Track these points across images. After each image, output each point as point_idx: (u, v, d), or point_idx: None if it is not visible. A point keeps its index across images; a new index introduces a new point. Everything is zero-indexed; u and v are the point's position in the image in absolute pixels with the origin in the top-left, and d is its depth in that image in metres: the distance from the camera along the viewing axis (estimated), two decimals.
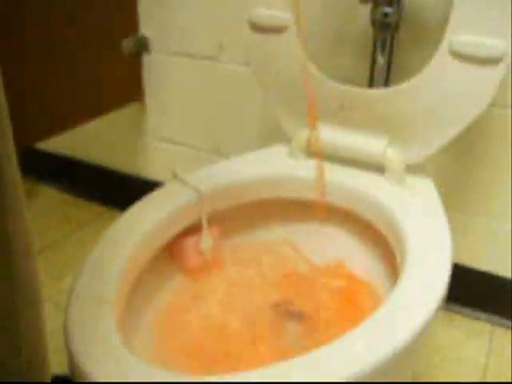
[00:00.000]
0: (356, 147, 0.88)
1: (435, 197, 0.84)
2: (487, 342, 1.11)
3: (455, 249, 0.74)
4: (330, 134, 0.90)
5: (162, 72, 1.30)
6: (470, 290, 1.15)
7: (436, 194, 0.85)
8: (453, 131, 0.84)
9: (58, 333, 0.90)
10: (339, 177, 0.87)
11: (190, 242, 0.83)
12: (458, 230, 1.08)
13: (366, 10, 0.92)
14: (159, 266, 0.80)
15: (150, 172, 1.43)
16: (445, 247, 0.74)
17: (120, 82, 1.28)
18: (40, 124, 1.14)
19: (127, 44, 1.25)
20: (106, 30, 1.21)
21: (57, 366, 0.95)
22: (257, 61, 0.94)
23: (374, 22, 0.91)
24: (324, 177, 0.87)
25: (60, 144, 1.53)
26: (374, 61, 0.92)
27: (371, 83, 0.93)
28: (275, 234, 0.92)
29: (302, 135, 0.91)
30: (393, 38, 0.91)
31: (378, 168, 0.87)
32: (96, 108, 1.24)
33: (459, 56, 0.79)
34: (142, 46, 1.28)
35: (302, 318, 0.81)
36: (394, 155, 0.86)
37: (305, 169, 0.89)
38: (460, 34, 0.79)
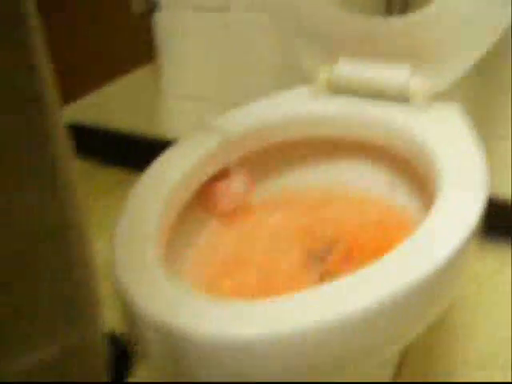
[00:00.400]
0: (379, 78, 0.87)
1: (464, 122, 0.83)
2: None
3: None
4: (351, 67, 0.89)
5: (173, 29, 1.28)
6: (499, 220, 1.14)
7: (465, 119, 0.84)
8: (476, 53, 0.82)
9: None
10: (365, 110, 0.86)
11: (221, 187, 0.83)
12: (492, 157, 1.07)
13: None
14: (193, 213, 0.81)
15: (170, 131, 1.43)
16: (478, 174, 0.72)
17: (132, 43, 1.28)
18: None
19: (137, 4, 1.24)
20: None
21: None
22: (274, 1, 0.92)
23: None
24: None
25: (76, 112, 1.53)
26: None
27: (389, 11, 0.91)
28: (306, 173, 0.92)
29: (323, 71, 0.90)
30: None
31: (404, 98, 0.86)
32: (109, 71, 1.24)
33: None
34: (152, 5, 1.27)
35: (343, 250, 0.81)
36: (418, 83, 0.85)
37: (331, 105, 0.89)
38: None
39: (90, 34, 1.17)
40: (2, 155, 0.39)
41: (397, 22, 0.86)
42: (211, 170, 0.82)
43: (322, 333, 0.53)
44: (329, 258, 0.81)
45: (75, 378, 0.46)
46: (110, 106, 1.48)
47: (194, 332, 0.52)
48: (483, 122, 1.07)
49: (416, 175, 0.82)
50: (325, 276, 0.76)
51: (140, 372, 0.74)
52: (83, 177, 1.55)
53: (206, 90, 1.32)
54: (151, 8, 1.27)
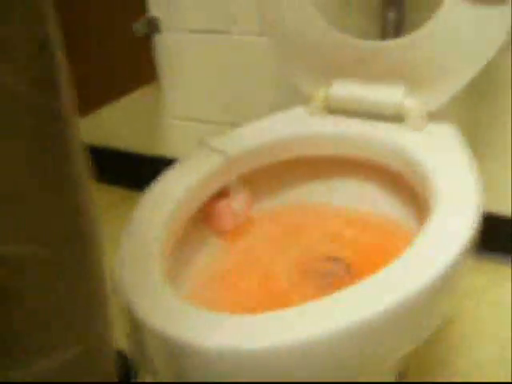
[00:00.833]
0: (374, 99, 0.90)
1: (459, 142, 0.85)
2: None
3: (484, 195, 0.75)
4: (348, 89, 0.92)
5: (174, 51, 1.32)
6: (499, 236, 1.17)
7: (460, 139, 0.86)
8: (468, 74, 0.85)
9: None
10: (361, 130, 0.89)
11: (222, 204, 0.86)
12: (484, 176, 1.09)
13: None
14: (195, 231, 0.83)
15: (170, 151, 1.45)
16: (472, 192, 0.74)
17: (134, 65, 1.31)
18: None
19: (138, 26, 1.27)
20: (116, 14, 1.23)
21: None
22: (271, 24, 0.95)
23: None
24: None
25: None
26: (384, 14, 0.94)
27: (383, 34, 0.94)
28: (304, 191, 0.94)
29: (319, 93, 0.93)
30: None
31: (398, 118, 0.89)
32: (111, 93, 1.27)
33: None
34: (153, 27, 1.30)
35: (344, 266, 0.83)
36: (412, 103, 0.88)
37: (327, 125, 0.91)
38: None
39: (93, 55, 1.20)
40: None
41: (391, 45, 0.88)
42: (212, 188, 0.84)
43: (323, 345, 0.55)
44: (328, 273, 0.83)
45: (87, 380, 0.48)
46: (112, 125, 1.51)
47: (198, 345, 0.54)
48: (479, 141, 1.10)
49: (412, 193, 0.84)
50: (325, 291, 0.78)
51: None
52: None
53: (206, 110, 1.35)
54: (153, 30, 1.30)
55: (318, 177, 0.95)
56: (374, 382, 0.74)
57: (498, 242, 1.17)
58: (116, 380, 0.53)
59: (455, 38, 0.83)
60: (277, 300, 0.77)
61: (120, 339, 0.62)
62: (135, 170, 1.52)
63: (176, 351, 0.56)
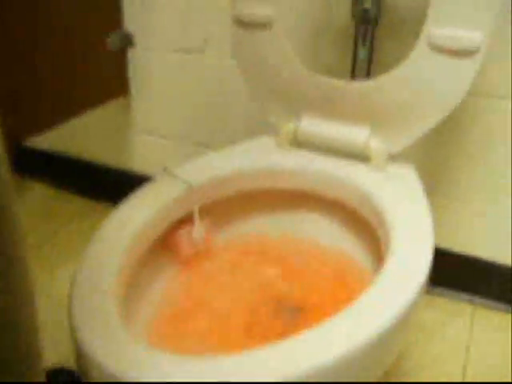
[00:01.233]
0: (340, 137, 0.91)
1: (417, 183, 0.88)
2: (469, 322, 1.15)
3: (436, 232, 0.78)
4: (314, 125, 0.93)
5: (146, 67, 1.32)
6: (450, 272, 1.20)
7: (418, 180, 0.89)
8: (432, 121, 0.87)
9: (52, 324, 0.93)
10: (324, 166, 0.90)
11: (183, 233, 0.86)
12: (438, 213, 1.12)
13: (346, 4, 0.95)
14: (154, 258, 0.83)
15: (137, 165, 1.45)
16: (426, 232, 0.77)
17: (106, 78, 1.30)
18: (27, 121, 1.15)
19: (112, 40, 1.27)
20: (90, 27, 1.22)
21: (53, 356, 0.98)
22: (242, 55, 0.96)
23: (354, 17, 0.94)
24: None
25: (47, 140, 1.55)
26: (355, 54, 0.96)
27: (353, 75, 0.96)
28: (265, 223, 0.96)
29: (287, 127, 0.94)
30: (373, 31, 0.95)
31: (362, 157, 0.91)
32: (83, 104, 1.26)
33: (437, 48, 0.83)
34: (127, 41, 1.30)
35: (295, 306, 0.84)
36: (376, 144, 0.90)
37: (291, 159, 0.93)
38: (437, 27, 0.82)
39: (66, 65, 1.20)
40: None
41: (360, 86, 0.90)
42: (174, 216, 0.85)
43: None
44: (286, 308, 0.84)
45: None
46: (81, 135, 1.50)
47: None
48: (435, 180, 1.13)
49: (370, 232, 0.86)
50: (278, 332, 0.80)
51: None
52: (50, 203, 1.57)
53: (174, 127, 1.35)
54: (126, 44, 1.30)
55: (279, 209, 0.96)
56: None
57: (450, 277, 1.20)
58: None
59: (423, 84, 0.85)
60: (232, 334, 0.78)
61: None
62: (102, 182, 1.52)
63: None
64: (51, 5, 1.11)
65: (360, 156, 0.91)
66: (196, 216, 0.87)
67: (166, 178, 0.87)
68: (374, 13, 0.93)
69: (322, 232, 0.95)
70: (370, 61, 0.95)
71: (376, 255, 0.87)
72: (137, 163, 1.45)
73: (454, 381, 1.03)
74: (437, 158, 1.12)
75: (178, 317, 0.80)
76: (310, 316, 0.82)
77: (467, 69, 0.82)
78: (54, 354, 1.00)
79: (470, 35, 0.80)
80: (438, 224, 0.81)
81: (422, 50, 0.84)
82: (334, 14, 1.06)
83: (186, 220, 0.87)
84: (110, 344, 0.59)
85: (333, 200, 0.91)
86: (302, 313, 0.83)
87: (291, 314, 0.83)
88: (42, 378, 0.50)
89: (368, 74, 0.95)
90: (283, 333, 0.78)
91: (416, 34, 0.84)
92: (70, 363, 0.96)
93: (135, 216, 0.79)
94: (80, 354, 0.59)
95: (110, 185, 1.49)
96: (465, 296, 1.21)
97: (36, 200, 1.56)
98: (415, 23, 0.91)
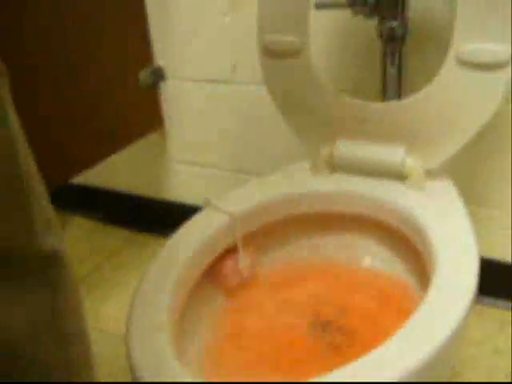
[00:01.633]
0: (376, 158, 0.92)
1: (456, 197, 0.88)
2: None
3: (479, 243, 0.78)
4: (350, 148, 0.94)
5: (179, 98, 1.35)
6: (497, 282, 1.19)
7: (457, 194, 0.89)
8: (467, 135, 0.88)
9: (106, 358, 0.95)
10: (363, 188, 0.91)
11: (228, 264, 0.88)
12: (481, 223, 1.12)
13: (372, 24, 0.96)
14: (202, 290, 0.85)
15: (176, 195, 1.48)
16: (470, 247, 0.78)
17: (140, 113, 1.34)
18: (69, 163, 1.19)
19: (144, 75, 1.31)
20: (122, 64, 1.26)
21: None
22: (272, 83, 0.98)
23: (381, 36, 0.95)
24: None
25: (86, 175, 1.59)
26: (384, 73, 0.96)
27: (384, 95, 0.97)
28: (309, 248, 0.97)
29: (323, 151, 0.95)
30: (401, 49, 0.96)
31: (399, 176, 0.91)
32: (120, 141, 1.30)
33: (466, 64, 0.83)
34: (158, 75, 1.33)
35: (343, 329, 0.85)
36: (412, 163, 0.90)
37: (329, 183, 0.94)
38: (465, 43, 0.83)
39: (102, 104, 1.23)
40: None
41: (392, 106, 0.91)
42: (219, 248, 0.87)
43: None
44: (335, 331, 0.85)
45: None
46: (119, 168, 1.54)
47: None
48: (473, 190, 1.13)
49: (413, 250, 0.87)
50: (332, 351, 0.81)
51: None
52: (92, 237, 1.60)
53: (210, 157, 1.38)
54: (158, 78, 1.33)
55: (320, 233, 0.97)
56: None
57: (497, 287, 1.20)
58: None
59: (454, 100, 0.86)
60: (284, 361, 0.79)
61: None
62: (142, 213, 1.55)
63: None
64: (85, 49, 1.15)
65: (397, 175, 0.91)
66: (240, 246, 0.88)
67: (209, 210, 0.89)
68: (401, 31, 0.94)
69: (364, 253, 0.96)
70: (400, 79, 0.96)
71: (420, 274, 0.87)
72: (175, 193, 1.48)
73: None
74: (473, 165, 1.12)
75: (228, 346, 0.82)
76: (359, 339, 0.83)
77: (497, 81, 0.83)
78: None
79: (497, 48, 0.81)
80: (480, 234, 0.81)
81: (451, 66, 0.85)
82: (360, 35, 1.08)
83: (230, 250, 0.89)
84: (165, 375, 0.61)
85: (374, 221, 0.91)
86: (351, 336, 0.84)
87: (339, 338, 0.83)
88: None
89: (399, 93, 0.96)
90: (335, 358, 0.80)
91: (444, 49, 0.85)
92: None
93: (182, 252, 0.81)
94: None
95: (151, 216, 1.53)
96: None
97: (78, 234, 1.60)
98: (442, 38, 0.92)
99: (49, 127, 1.11)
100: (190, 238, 0.84)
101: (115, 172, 1.55)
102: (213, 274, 0.88)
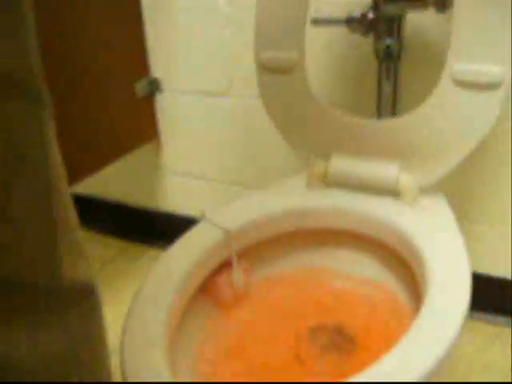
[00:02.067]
0: (370, 175, 0.93)
1: (449, 214, 0.89)
2: (510, 346, 1.15)
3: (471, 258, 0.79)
4: (345, 164, 0.95)
5: (174, 110, 1.35)
6: (487, 297, 1.20)
7: (449, 210, 0.90)
8: (461, 154, 0.88)
9: None
10: (356, 204, 0.92)
11: (223, 278, 0.88)
12: (471, 239, 1.13)
13: (368, 42, 0.97)
14: (196, 305, 0.85)
15: (170, 206, 1.49)
16: (462, 263, 0.78)
17: (136, 123, 1.34)
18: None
19: (140, 86, 1.31)
20: (118, 75, 1.27)
21: None
22: (268, 98, 0.99)
23: (377, 54, 0.96)
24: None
25: (80, 184, 1.59)
26: (379, 91, 0.98)
27: (379, 112, 0.98)
28: (303, 262, 0.97)
29: (317, 166, 0.96)
30: (396, 67, 0.97)
31: (392, 193, 0.92)
32: (115, 151, 1.30)
33: (461, 83, 0.84)
34: (155, 86, 1.34)
35: (343, 340, 0.86)
36: (406, 180, 0.91)
37: (323, 199, 0.95)
38: (460, 62, 0.84)
39: (97, 114, 1.24)
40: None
41: (387, 124, 0.92)
42: (213, 263, 0.87)
43: None
44: (332, 345, 0.86)
45: None
46: (113, 178, 1.54)
47: None
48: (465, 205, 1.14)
49: (406, 266, 0.87)
50: (334, 365, 0.81)
51: None
52: (85, 246, 1.60)
53: (204, 169, 1.39)
54: (154, 89, 1.34)
55: (314, 248, 0.97)
56: None
57: (487, 301, 1.21)
58: None
59: (449, 119, 0.87)
60: (284, 377, 0.80)
61: None
62: (135, 223, 1.55)
63: None
64: (81, 60, 1.16)
65: (391, 192, 0.92)
66: (234, 261, 0.89)
67: (204, 224, 0.89)
68: (396, 48, 0.95)
69: (357, 268, 0.96)
70: (395, 97, 0.97)
71: (413, 289, 0.88)
72: (169, 204, 1.48)
73: None
74: (465, 181, 1.13)
75: (222, 360, 0.82)
76: (354, 353, 0.83)
77: (492, 101, 0.84)
78: None
79: (492, 69, 0.82)
80: (471, 250, 0.82)
81: (446, 85, 0.86)
82: (356, 52, 1.09)
83: (225, 264, 0.89)
84: None
85: (367, 237, 0.92)
86: (346, 350, 0.84)
87: (335, 351, 0.84)
88: None
89: (394, 110, 0.97)
90: (331, 371, 0.80)
91: (439, 68, 0.86)
92: None
93: (177, 267, 0.81)
94: None
95: (145, 226, 1.53)
96: (503, 319, 1.21)
97: None
98: (438, 57, 0.93)
99: None
100: (184, 253, 0.84)
101: (110, 182, 1.55)
102: (207, 288, 0.88)
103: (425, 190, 0.93)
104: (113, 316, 0.75)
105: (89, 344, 0.47)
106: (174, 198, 1.47)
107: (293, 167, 1.03)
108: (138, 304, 0.76)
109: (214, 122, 1.32)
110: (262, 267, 0.96)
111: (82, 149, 1.22)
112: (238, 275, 0.89)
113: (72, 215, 0.48)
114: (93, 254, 1.53)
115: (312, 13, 0.99)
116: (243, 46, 1.20)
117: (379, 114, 0.98)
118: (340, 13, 0.96)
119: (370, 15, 0.93)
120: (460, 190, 1.14)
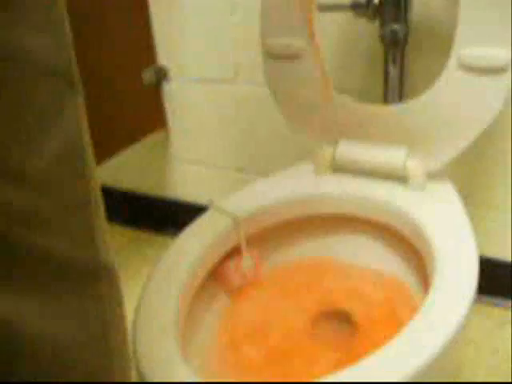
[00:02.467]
0: (377, 160, 0.93)
1: (456, 199, 0.89)
2: None
3: (478, 242, 0.80)
4: (351, 149, 0.95)
5: (182, 98, 1.36)
6: (496, 281, 1.20)
7: (456, 195, 0.90)
8: (468, 138, 0.89)
9: None
10: (364, 189, 0.93)
11: (232, 265, 0.89)
12: (481, 223, 1.14)
13: (374, 26, 0.97)
14: (207, 290, 0.86)
15: (178, 193, 1.50)
16: (470, 247, 0.79)
17: (143, 112, 1.35)
18: None
19: (147, 75, 1.32)
20: (125, 64, 1.27)
21: None
22: (275, 85, 0.99)
23: (383, 39, 0.96)
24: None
25: None
26: (386, 76, 0.97)
27: (386, 98, 0.98)
28: (310, 248, 0.98)
29: (324, 152, 0.97)
30: (403, 52, 0.96)
31: (400, 178, 0.92)
32: (123, 140, 1.31)
33: (468, 68, 0.84)
34: (161, 75, 1.34)
35: (349, 327, 0.87)
36: (414, 165, 0.91)
37: (331, 184, 0.95)
38: (467, 47, 0.83)
39: (105, 103, 1.24)
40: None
41: (393, 109, 0.92)
42: (222, 250, 0.88)
43: None
44: (339, 331, 0.87)
45: None
46: (122, 167, 1.55)
47: None
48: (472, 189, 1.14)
49: (413, 251, 0.88)
50: (339, 351, 0.82)
51: None
52: None
53: (212, 156, 1.39)
54: (161, 78, 1.34)
55: (323, 234, 0.98)
56: None
57: (496, 285, 1.21)
58: None
59: (456, 104, 0.87)
60: (288, 362, 0.80)
61: None
62: (144, 211, 1.56)
63: None
64: (88, 49, 1.16)
65: (398, 177, 0.92)
66: (243, 247, 0.89)
67: (213, 212, 0.90)
68: (402, 33, 0.95)
69: (366, 254, 0.97)
70: (401, 82, 0.97)
71: (420, 274, 0.88)
72: (178, 191, 1.49)
73: None
74: (471, 166, 1.13)
75: (233, 346, 0.83)
76: (364, 335, 0.84)
77: (499, 85, 0.84)
78: None
79: (499, 53, 0.82)
80: (478, 233, 0.82)
81: (453, 70, 0.85)
82: (362, 38, 1.09)
83: (234, 251, 0.90)
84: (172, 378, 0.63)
85: (375, 222, 0.93)
86: (356, 332, 0.85)
87: (345, 334, 0.85)
88: None
89: (400, 96, 0.97)
90: (344, 353, 0.81)
91: (446, 53, 0.86)
92: None
93: (186, 254, 0.82)
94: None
95: (154, 214, 1.54)
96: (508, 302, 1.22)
97: None
98: (444, 42, 0.93)
99: None
100: (194, 240, 0.85)
101: (118, 171, 1.56)
102: (217, 275, 0.89)
103: (432, 175, 0.93)
104: (124, 303, 0.76)
105: (101, 331, 0.48)
106: (182, 186, 1.48)
107: (301, 153, 1.03)
108: (149, 291, 0.77)
109: (222, 110, 1.32)
110: (272, 254, 0.97)
111: (89, 138, 1.22)
112: (246, 261, 0.90)
113: (99, 193, 0.49)
114: None
115: None
116: (250, 32, 1.20)
117: (386, 99, 0.98)
118: None
119: (376, 0, 0.93)
120: (467, 175, 1.14)
